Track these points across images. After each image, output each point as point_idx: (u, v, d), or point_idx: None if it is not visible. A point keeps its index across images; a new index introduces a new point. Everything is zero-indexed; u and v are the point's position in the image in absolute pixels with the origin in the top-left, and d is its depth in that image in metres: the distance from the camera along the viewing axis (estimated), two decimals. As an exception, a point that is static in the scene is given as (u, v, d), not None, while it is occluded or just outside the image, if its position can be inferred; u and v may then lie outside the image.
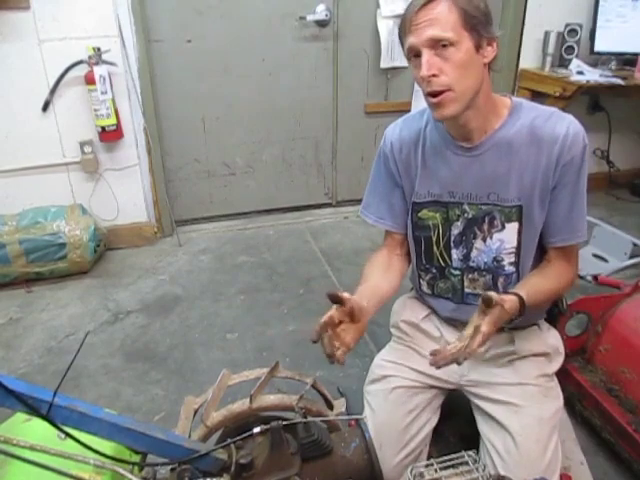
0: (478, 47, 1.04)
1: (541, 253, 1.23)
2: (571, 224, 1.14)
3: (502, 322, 1.02)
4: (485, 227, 1.18)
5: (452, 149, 1.17)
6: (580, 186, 1.12)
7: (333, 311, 1.07)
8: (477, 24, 1.02)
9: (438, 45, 1.01)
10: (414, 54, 1.05)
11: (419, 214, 1.25)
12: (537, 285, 1.13)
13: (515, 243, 1.17)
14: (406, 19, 1.03)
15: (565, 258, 1.19)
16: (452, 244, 1.23)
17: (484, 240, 1.19)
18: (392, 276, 1.30)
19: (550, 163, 1.10)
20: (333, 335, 1.09)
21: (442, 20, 1.00)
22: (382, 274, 1.29)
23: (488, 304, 0.97)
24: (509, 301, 1.02)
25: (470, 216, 1.18)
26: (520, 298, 1.04)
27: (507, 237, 1.17)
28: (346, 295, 1.06)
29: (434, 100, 1.05)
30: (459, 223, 1.21)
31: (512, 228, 1.16)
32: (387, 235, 1.36)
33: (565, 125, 1.09)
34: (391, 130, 1.28)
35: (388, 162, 1.27)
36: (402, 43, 1.08)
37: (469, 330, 1.00)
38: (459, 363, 0.98)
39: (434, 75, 1.02)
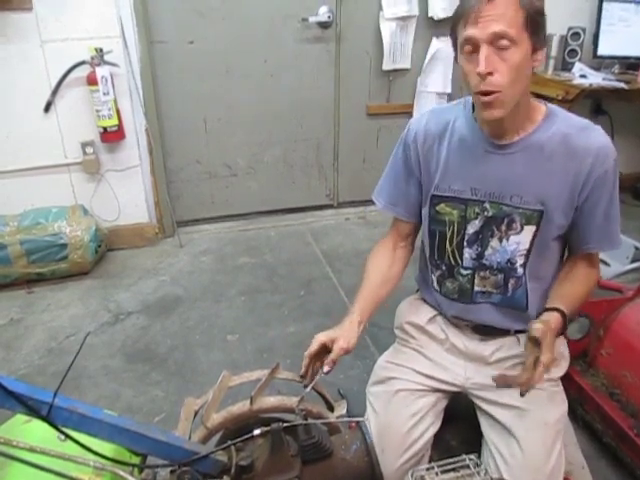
0: (533, 51, 1.04)
1: (558, 258, 1.23)
2: (608, 233, 1.18)
3: (554, 342, 1.03)
4: (503, 228, 1.17)
5: (483, 145, 1.15)
6: (613, 197, 1.16)
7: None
8: (538, 27, 1.03)
9: (498, 42, 0.99)
10: (471, 48, 1.03)
11: (437, 207, 1.23)
12: (571, 293, 1.15)
13: (527, 245, 1.17)
14: (468, 10, 1.01)
15: (590, 261, 1.21)
16: (465, 243, 1.22)
17: (500, 240, 1.18)
18: (394, 272, 1.33)
19: (581, 175, 1.10)
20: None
21: (509, 17, 0.99)
22: (384, 274, 1.30)
23: (537, 343, 1.00)
24: (554, 322, 1.04)
25: (490, 214, 1.17)
26: (562, 313, 1.07)
27: (523, 239, 1.17)
28: (334, 356, 1.14)
29: (485, 99, 1.04)
30: (477, 222, 1.19)
31: (529, 230, 1.16)
32: (395, 223, 1.36)
33: (598, 138, 1.10)
34: (417, 120, 1.27)
35: (409, 151, 1.26)
36: (454, 36, 1.07)
37: (530, 360, 1.01)
38: (522, 394, 1.01)
39: (490, 73, 1.01)
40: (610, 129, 3.38)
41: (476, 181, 1.17)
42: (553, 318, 1.05)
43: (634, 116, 3.39)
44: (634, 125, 3.45)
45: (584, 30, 2.98)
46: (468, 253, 1.23)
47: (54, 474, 0.73)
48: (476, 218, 1.19)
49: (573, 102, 2.76)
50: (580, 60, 2.99)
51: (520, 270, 1.20)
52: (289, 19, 2.80)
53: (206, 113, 2.90)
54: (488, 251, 1.20)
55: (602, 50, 3.03)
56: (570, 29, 2.98)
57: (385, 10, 2.84)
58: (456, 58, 1.10)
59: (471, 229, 1.21)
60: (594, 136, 1.10)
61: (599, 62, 3.09)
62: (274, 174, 3.17)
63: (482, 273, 1.23)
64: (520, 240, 1.17)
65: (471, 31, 1.01)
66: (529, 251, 1.17)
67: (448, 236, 1.24)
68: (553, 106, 1.17)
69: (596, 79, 2.81)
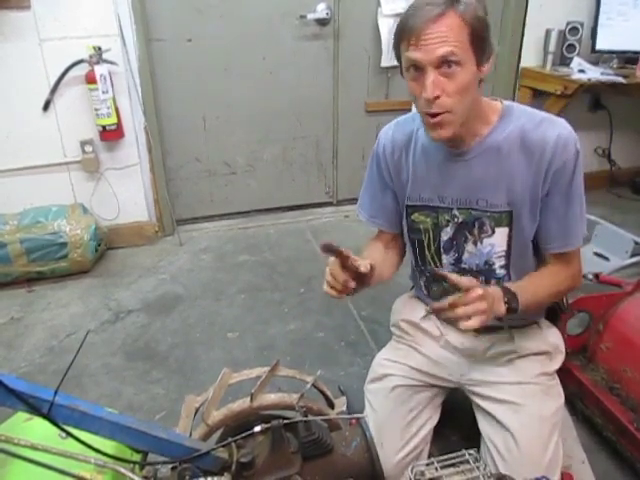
0: (479, 65, 1.01)
1: (538, 257, 1.22)
2: (566, 231, 1.12)
3: (488, 291, 0.98)
4: (475, 232, 1.17)
5: (442, 154, 1.16)
6: (573, 192, 1.10)
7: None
8: (482, 41, 0.99)
9: (444, 65, 0.97)
10: (414, 68, 1.00)
11: (412, 217, 1.24)
12: (530, 281, 1.13)
13: (505, 247, 1.16)
14: (410, 31, 0.97)
15: (564, 262, 1.16)
16: (442, 250, 1.23)
17: (475, 244, 1.19)
18: (390, 258, 1.32)
19: (540, 169, 1.08)
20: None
21: (454, 38, 0.95)
22: (382, 255, 1.29)
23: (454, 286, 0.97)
24: (492, 289, 1.01)
25: (460, 220, 1.18)
26: (506, 291, 1.03)
27: (497, 241, 1.16)
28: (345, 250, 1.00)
29: (434, 120, 1.03)
30: (449, 229, 1.20)
31: (502, 233, 1.15)
32: (379, 233, 1.36)
33: (556, 131, 1.06)
34: (384, 132, 1.27)
35: (380, 164, 1.27)
36: (397, 52, 1.04)
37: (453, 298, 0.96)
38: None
39: (437, 97, 0.99)
40: (609, 123, 3.39)
41: (442, 189, 1.17)
42: (492, 288, 1.02)
43: (633, 110, 3.38)
44: (633, 119, 3.45)
45: (582, 25, 2.98)
46: (446, 259, 1.23)
47: (55, 471, 0.73)
48: (447, 225, 1.20)
49: (572, 97, 2.76)
50: (578, 55, 2.99)
51: (500, 271, 1.19)
52: (287, 16, 2.80)
53: (205, 111, 2.90)
54: (465, 255, 1.20)
55: (600, 45, 3.03)
56: (568, 24, 2.98)
57: (383, 7, 2.84)
58: (401, 72, 1.08)
59: (445, 236, 1.21)
60: (552, 128, 1.07)
61: (597, 57, 3.08)
62: (273, 172, 3.17)
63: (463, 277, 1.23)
64: (494, 242, 1.16)
65: (415, 54, 0.98)
66: (509, 252, 1.17)
67: (425, 243, 1.25)
68: (509, 103, 1.14)
69: (594, 74, 2.81)
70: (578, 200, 1.11)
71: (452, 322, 1.25)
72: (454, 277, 0.98)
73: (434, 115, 1.02)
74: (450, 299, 0.96)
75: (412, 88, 1.04)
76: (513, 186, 1.10)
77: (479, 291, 0.95)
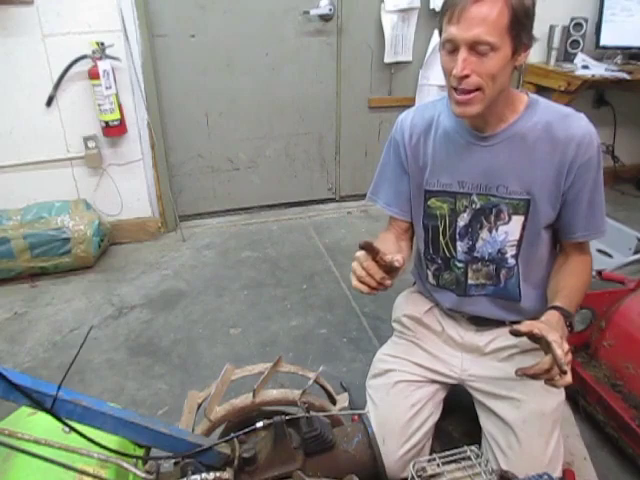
0: (514, 53, 1.03)
1: (550, 249, 1.23)
2: (592, 221, 1.16)
3: (559, 328, 1.01)
4: (492, 219, 1.18)
5: (466, 137, 1.17)
6: (599, 184, 1.14)
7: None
8: (522, 30, 1.01)
9: (477, 47, 0.99)
10: (451, 46, 1.03)
11: (428, 202, 1.25)
12: (567, 286, 1.14)
13: (517, 235, 1.18)
14: (453, 5, 0.99)
15: (581, 250, 1.21)
16: (457, 236, 1.23)
17: (490, 231, 1.20)
18: (403, 249, 1.31)
19: (564, 163, 1.10)
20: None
21: (492, 21, 0.97)
22: (395, 246, 1.29)
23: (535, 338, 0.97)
24: (551, 319, 1.03)
25: (478, 206, 1.19)
26: (559, 309, 1.06)
27: (512, 229, 1.18)
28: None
29: (462, 98, 1.05)
30: (465, 215, 1.21)
31: (517, 220, 1.17)
32: (392, 221, 1.36)
33: (581, 126, 1.10)
34: (404, 117, 1.28)
35: (398, 148, 1.27)
36: (441, 22, 1.05)
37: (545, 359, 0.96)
38: (563, 372, 0.93)
39: (466, 75, 1.01)
40: (613, 120, 3.37)
41: (462, 174, 1.18)
42: (549, 316, 1.05)
43: (637, 107, 3.37)
44: (637, 116, 3.43)
45: (586, 20, 2.96)
46: (460, 246, 1.24)
47: (58, 466, 0.74)
48: (465, 211, 1.21)
49: (575, 93, 2.75)
50: (582, 51, 2.97)
51: (511, 261, 1.20)
52: (290, 12, 2.79)
53: (208, 107, 2.90)
54: (479, 243, 1.22)
55: (605, 40, 3.01)
56: (572, 19, 2.96)
57: (386, 2, 2.82)
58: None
59: (461, 222, 1.22)
60: (577, 124, 1.10)
61: (601, 53, 3.07)
62: (276, 168, 3.16)
63: (474, 266, 1.24)
64: (509, 230, 1.18)
65: (453, 30, 1.00)
66: (520, 241, 1.18)
67: (441, 230, 1.25)
68: (535, 95, 1.17)
69: (599, 70, 2.80)
70: (601, 191, 1.15)
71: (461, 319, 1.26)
72: (529, 330, 0.96)
73: (465, 92, 1.04)
74: (543, 365, 0.94)
75: (445, 62, 1.06)
76: (534, 175, 1.12)
77: (565, 346, 0.94)
